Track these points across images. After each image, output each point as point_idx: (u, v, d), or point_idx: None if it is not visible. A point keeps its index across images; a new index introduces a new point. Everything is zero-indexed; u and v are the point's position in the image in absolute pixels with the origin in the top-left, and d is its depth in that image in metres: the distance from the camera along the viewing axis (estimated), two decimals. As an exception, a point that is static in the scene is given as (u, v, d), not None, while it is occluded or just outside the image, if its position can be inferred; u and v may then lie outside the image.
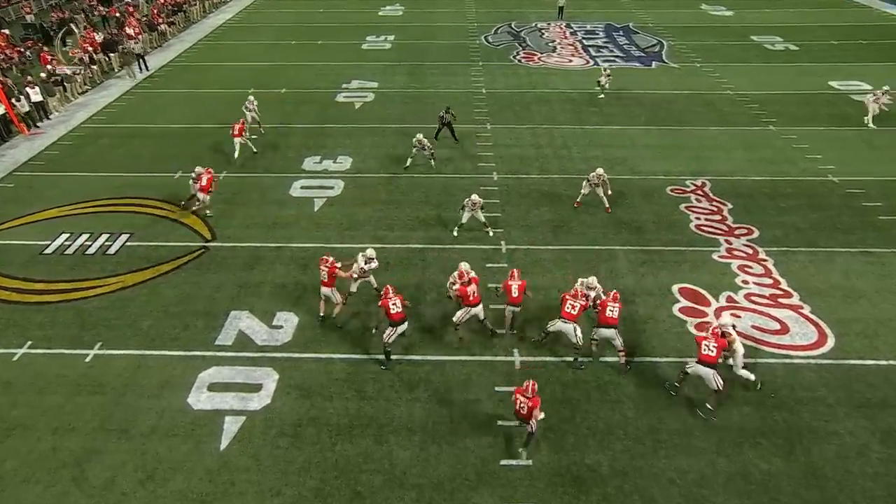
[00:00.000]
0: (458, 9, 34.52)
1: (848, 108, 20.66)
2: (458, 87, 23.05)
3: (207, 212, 14.72)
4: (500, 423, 9.28)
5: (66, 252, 13.48)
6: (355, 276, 11.24)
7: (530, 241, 13.68)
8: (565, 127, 19.56)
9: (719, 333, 9.37)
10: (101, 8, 32.28)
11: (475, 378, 10.12)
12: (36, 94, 20.12)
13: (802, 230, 14.09)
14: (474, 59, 26.29)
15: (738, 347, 9.64)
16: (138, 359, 10.54)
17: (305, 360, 10.53)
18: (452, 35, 29.73)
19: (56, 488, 8.39)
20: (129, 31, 26.26)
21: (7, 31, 27.48)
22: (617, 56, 26.58)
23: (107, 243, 13.76)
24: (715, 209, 14.99)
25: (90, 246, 13.68)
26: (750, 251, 13.37)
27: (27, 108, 19.68)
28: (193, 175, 14.75)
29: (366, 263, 11.19)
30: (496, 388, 9.89)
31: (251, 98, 18.87)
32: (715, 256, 13.20)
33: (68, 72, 22.23)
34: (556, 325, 10.16)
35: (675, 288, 12.21)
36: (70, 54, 23.96)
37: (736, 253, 13.31)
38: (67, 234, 14.09)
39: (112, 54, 25.20)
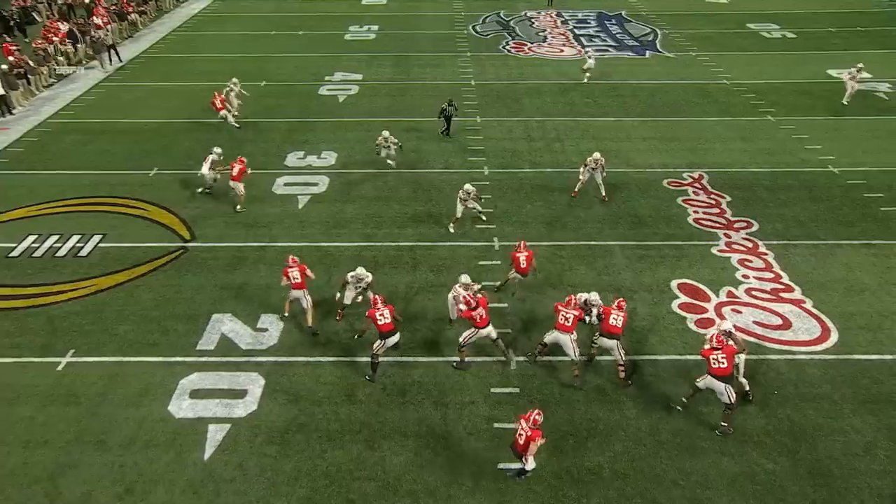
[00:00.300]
0: (445, -3, 34.54)
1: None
2: (445, 78, 23.05)
3: (238, 207, 14.78)
4: (496, 425, 9.30)
5: (34, 255, 13.27)
6: (348, 301, 11.09)
7: (524, 237, 13.65)
8: (558, 119, 19.65)
9: (724, 340, 8.99)
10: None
11: (469, 379, 10.13)
12: (-3, 88, 19.81)
13: (803, 222, 14.29)
14: (462, 49, 26.30)
15: (742, 354, 9.63)
16: (115, 366, 10.40)
17: (292, 363, 10.47)
18: (439, 24, 29.71)
19: (29, 504, 8.26)
20: (98, 20, 25.91)
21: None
22: (610, 45, 26.74)
23: (78, 245, 13.57)
24: (713, 202, 15.15)
25: (60, 248, 13.48)
26: (750, 245, 13.52)
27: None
28: (213, 157, 15.02)
29: (357, 283, 10.92)
30: (491, 390, 9.91)
31: (235, 80, 19.62)
32: (714, 251, 13.34)
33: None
34: (552, 335, 9.91)
35: (673, 283, 12.32)
36: (33, 45, 23.59)
37: (735, 247, 13.46)
38: (35, 236, 13.87)
39: (79, 45, 24.85)
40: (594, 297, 10.25)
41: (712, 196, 15.40)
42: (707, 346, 8.96)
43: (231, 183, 14.72)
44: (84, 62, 24.71)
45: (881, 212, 14.63)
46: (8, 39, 24.45)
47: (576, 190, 15.11)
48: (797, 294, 12.04)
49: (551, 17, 31.15)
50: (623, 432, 9.22)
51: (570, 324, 9.75)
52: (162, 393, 9.88)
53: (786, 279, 12.45)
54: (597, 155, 14.87)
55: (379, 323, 9.70)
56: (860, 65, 20.36)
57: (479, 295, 10.15)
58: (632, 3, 33.08)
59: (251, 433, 9.22)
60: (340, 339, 11.00)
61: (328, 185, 15.96)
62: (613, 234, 13.95)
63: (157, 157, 17.39)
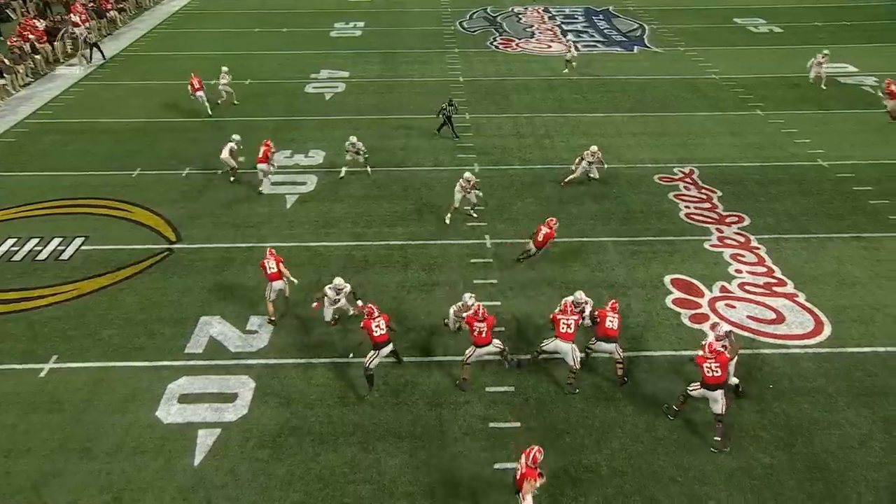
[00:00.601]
0: (431, -7, 34.43)
1: (835, 91, 21.22)
2: (433, 75, 23.00)
3: (262, 189, 15.18)
4: (491, 424, 9.28)
5: (13, 259, 13.03)
6: (328, 318, 10.96)
7: (515, 235, 13.69)
8: (547, 115, 19.67)
9: (717, 348, 8.83)
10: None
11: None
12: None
13: (794, 216, 14.43)
14: (450, 45, 26.26)
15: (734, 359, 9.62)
16: (100, 371, 10.23)
17: (283, 366, 10.36)
18: (425, 21, 29.63)
19: (12, 515, 8.11)
20: (75, 17, 25.51)
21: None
22: (598, 41, 26.83)
23: (59, 248, 13.35)
24: (704, 197, 15.25)
25: (40, 251, 13.25)
26: (742, 239, 13.63)
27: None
28: (232, 145, 15.32)
29: (336, 294, 10.70)
30: (487, 389, 9.89)
31: (225, 69, 19.95)
32: (706, 245, 13.42)
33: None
34: (553, 344, 9.78)
35: (667, 279, 12.38)
36: (8, 43, 23.18)
37: (728, 241, 13.55)
38: (14, 240, 13.63)
39: (56, 43, 24.46)
40: (580, 295, 10.19)
41: (703, 191, 15.51)
42: (700, 354, 8.84)
43: (258, 166, 14.99)
44: (62, 60, 24.33)
45: (870, 205, 14.81)
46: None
47: (566, 180, 15.21)
48: (790, 288, 12.15)
49: (539, 12, 31.19)
50: (620, 429, 9.24)
51: (571, 331, 9.61)
52: (149, 398, 9.73)
53: (778, 273, 12.57)
54: (594, 148, 15.04)
55: (374, 334, 9.44)
56: (825, 51, 21.40)
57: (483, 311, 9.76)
58: (619, -1, 33.22)
59: (242, 437, 9.11)
60: (332, 340, 10.91)
61: (316, 184, 15.85)
62: (606, 230, 13.98)
63: (140, 157, 17.15)
